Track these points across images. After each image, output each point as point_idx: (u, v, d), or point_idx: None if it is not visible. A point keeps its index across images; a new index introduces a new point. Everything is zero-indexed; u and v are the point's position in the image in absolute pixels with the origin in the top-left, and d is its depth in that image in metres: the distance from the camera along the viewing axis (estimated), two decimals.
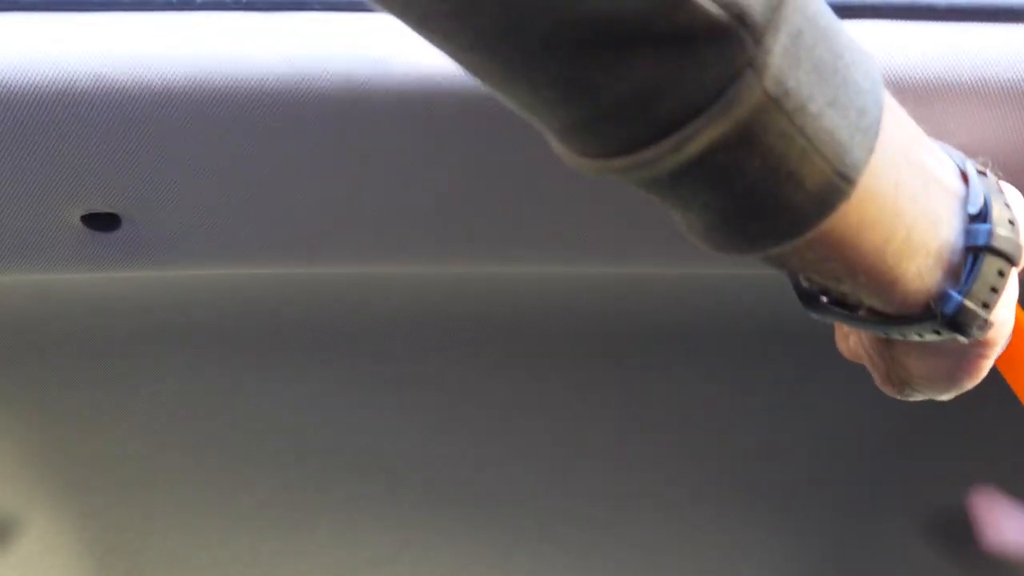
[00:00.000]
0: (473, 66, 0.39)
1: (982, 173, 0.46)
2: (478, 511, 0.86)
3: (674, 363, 0.75)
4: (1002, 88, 0.54)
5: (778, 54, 0.37)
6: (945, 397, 0.51)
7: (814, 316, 0.49)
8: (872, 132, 0.40)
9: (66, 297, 0.68)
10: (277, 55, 0.54)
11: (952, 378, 0.50)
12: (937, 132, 0.54)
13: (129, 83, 0.54)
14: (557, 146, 0.41)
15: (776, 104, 0.38)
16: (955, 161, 0.46)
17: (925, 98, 0.54)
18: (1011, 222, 0.46)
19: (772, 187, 0.39)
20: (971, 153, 0.53)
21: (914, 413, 0.77)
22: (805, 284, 0.48)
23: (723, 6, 0.36)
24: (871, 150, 0.40)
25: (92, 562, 0.88)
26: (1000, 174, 0.51)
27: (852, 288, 0.44)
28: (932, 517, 0.84)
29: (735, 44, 0.36)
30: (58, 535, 0.86)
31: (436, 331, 0.73)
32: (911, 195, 0.42)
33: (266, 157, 0.56)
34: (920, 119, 0.49)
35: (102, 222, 0.59)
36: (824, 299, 0.48)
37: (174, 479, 0.83)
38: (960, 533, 0.85)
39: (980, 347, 0.48)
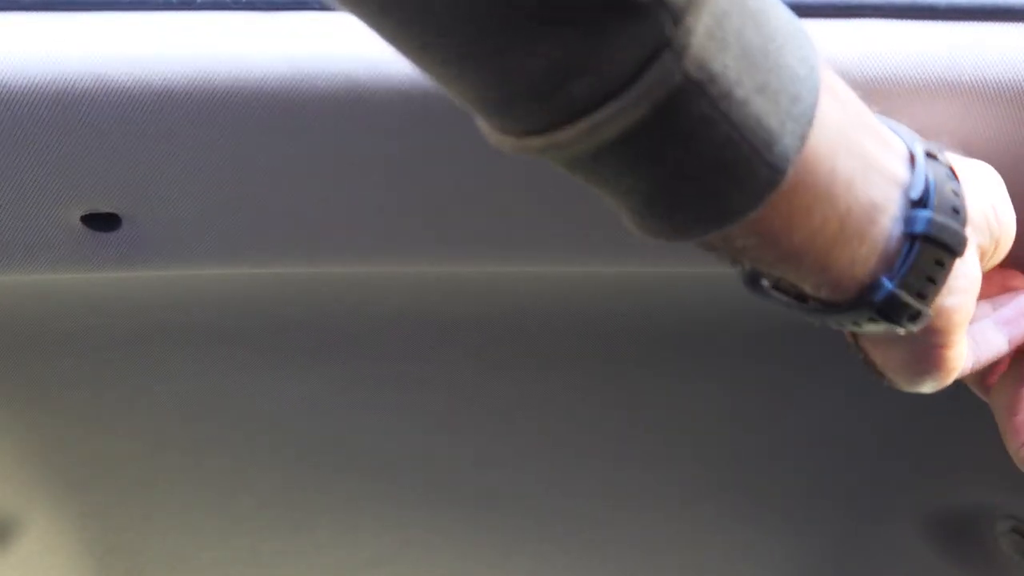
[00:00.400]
0: (388, 35, 0.37)
1: (932, 157, 0.45)
2: (478, 511, 0.86)
3: (674, 363, 0.75)
4: (1002, 88, 0.54)
5: (701, 35, 0.35)
6: (927, 388, 0.49)
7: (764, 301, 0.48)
8: (805, 120, 0.39)
9: (66, 297, 0.68)
10: (277, 55, 0.54)
11: (914, 369, 0.48)
12: (937, 132, 0.54)
13: (129, 83, 0.54)
14: (480, 123, 0.40)
15: (699, 89, 0.36)
16: (905, 143, 0.44)
17: (925, 98, 0.54)
18: (956, 210, 0.44)
19: (697, 175, 0.38)
20: (971, 153, 0.53)
21: (914, 413, 0.76)
22: (747, 267, 0.47)
23: None
24: (803, 138, 0.39)
25: (92, 562, 0.88)
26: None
27: (785, 273, 0.43)
28: (932, 517, 0.84)
29: (651, 24, 0.35)
30: (58, 535, 0.86)
31: (436, 331, 0.72)
32: (847, 182, 0.41)
33: (266, 157, 0.56)
34: (920, 119, 0.49)
35: (102, 222, 0.59)
36: (765, 283, 0.47)
37: (174, 479, 0.83)
38: (960, 533, 0.85)
39: (934, 336, 0.46)
